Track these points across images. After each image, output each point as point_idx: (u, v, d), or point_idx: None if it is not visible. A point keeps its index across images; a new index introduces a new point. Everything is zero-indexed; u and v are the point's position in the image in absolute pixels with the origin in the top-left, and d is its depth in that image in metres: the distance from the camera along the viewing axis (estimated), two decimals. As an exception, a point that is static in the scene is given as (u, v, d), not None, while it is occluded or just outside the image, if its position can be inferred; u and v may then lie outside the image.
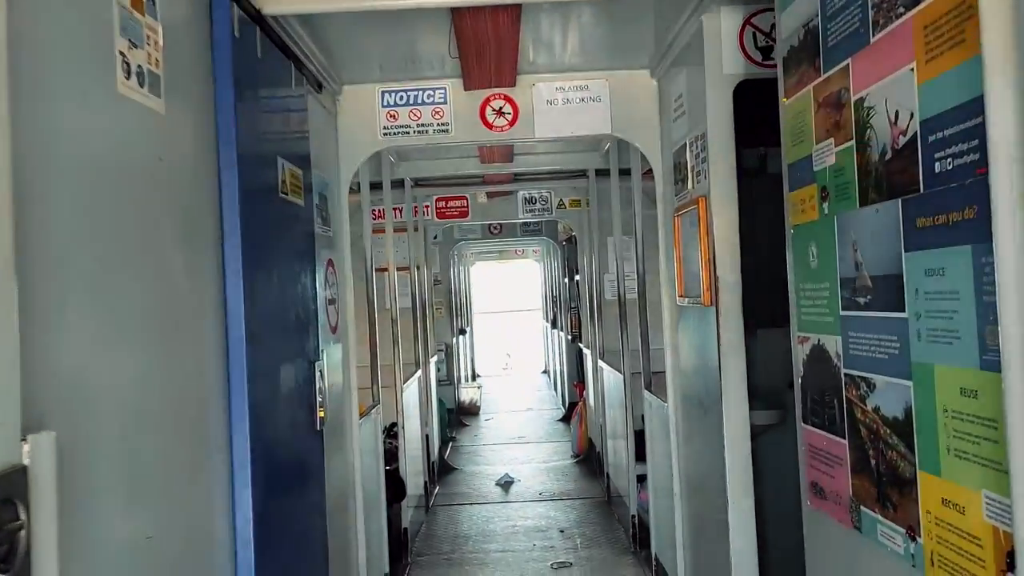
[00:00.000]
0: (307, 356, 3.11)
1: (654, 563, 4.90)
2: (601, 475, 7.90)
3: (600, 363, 7.20)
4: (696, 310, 3.58)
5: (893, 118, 1.75)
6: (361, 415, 4.36)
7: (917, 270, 1.68)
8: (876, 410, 1.88)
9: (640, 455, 5.75)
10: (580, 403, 9.15)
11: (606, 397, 7.07)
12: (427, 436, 7.79)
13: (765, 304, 3.53)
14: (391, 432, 6.17)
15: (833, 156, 2.06)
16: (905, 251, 1.72)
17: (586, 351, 8.63)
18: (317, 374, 3.15)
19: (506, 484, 7.96)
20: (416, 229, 8.08)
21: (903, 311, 1.74)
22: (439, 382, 10.59)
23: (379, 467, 4.89)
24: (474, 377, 16.46)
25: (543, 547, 5.97)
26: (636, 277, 5.04)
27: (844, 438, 2.05)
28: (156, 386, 1.93)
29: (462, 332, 13.70)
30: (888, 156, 1.78)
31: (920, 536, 1.71)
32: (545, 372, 17.60)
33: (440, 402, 9.57)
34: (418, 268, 8.04)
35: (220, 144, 2.36)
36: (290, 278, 2.92)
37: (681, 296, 3.79)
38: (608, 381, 6.88)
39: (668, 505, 4.42)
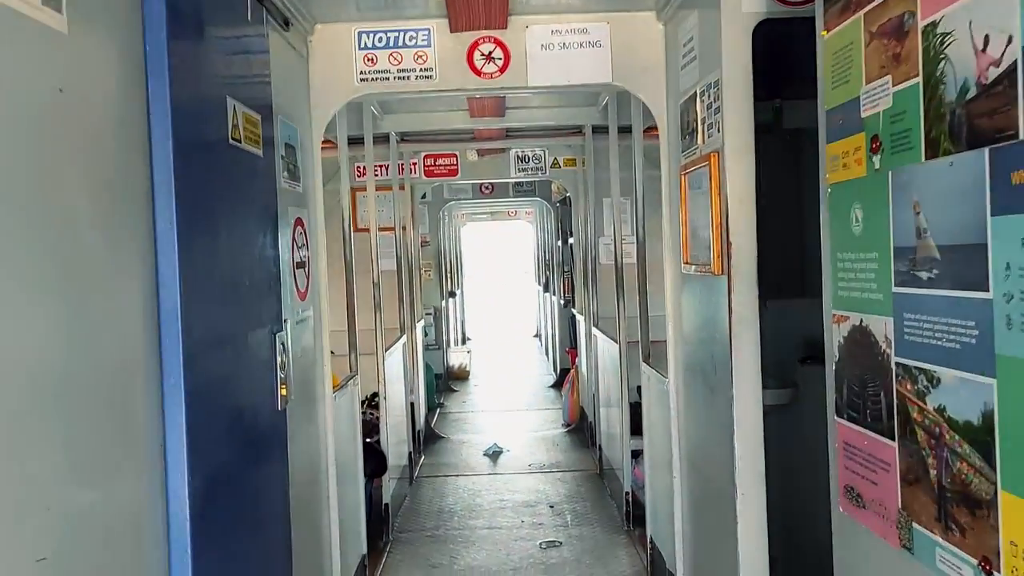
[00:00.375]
0: (266, 326, 2.75)
1: (649, 546, 4.60)
2: (593, 446, 7.61)
3: (594, 330, 6.86)
4: (704, 279, 3.23)
5: (981, 44, 1.38)
6: (336, 387, 4.02)
7: (1009, 239, 1.32)
8: (940, 410, 1.53)
9: (636, 429, 5.44)
10: (572, 370, 8.84)
11: (600, 366, 6.75)
12: (413, 404, 7.47)
13: (773, 273, 3.19)
14: (373, 402, 5.84)
15: (889, 98, 1.69)
16: (992, 215, 1.36)
17: (579, 317, 8.30)
18: (279, 346, 2.79)
19: (494, 455, 7.66)
20: (402, 187, 7.68)
21: (986, 291, 1.38)
22: (427, 347, 10.26)
23: (356, 441, 4.55)
24: (464, 341, 16.16)
25: (532, 524, 5.68)
26: (635, 241, 4.67)
27: (892, 440, 1.71)
28: (59, 355, 1.58)
29: (452, 295, 13.34)
30: (971, 94, 1.41)
31: (999, 571, 1.37)
32: (537, 336, 17.30)
33: (427, 367, 9.25)
34: (404, 229, 7.65)
35: (149, 78, 1.97)
36: (244, 238, 2.54)
37: (687, 263, 3.44)
38: (602, 349, 6.54)
39: (666, 486, 4.10)
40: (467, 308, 17.72)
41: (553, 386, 11.25)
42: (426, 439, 8.16)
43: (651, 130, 4.27)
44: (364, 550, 4.57)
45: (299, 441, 3.27)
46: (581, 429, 8.35)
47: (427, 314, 10.76)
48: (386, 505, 5.46)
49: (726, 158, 2.90)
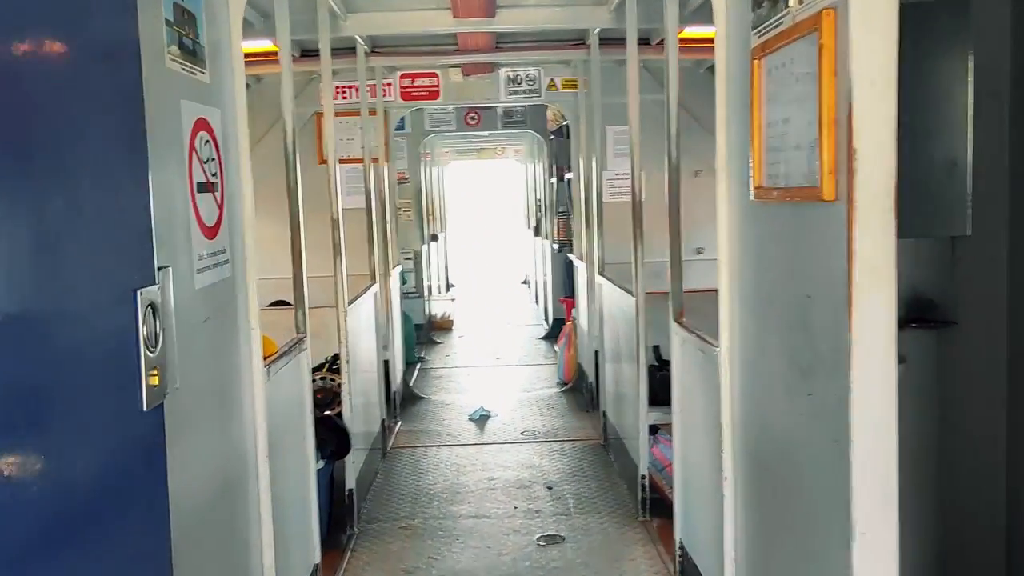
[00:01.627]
0: (122, 282, 1.71)
1: (678, 553, 3.66)
2: (594, 410, 6.67)
3: (599, 279, 5.85)
4: (795, 209, 2.20)
5: None
6: (271, 357, 3.00)
7: None
8: None
9: (654, 399, 4.48)
10: (568, 323, 7.84)
11: (607, 321, 5.75)
12: (387, 363, 6.47)
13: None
14: (334, 366, 4.83)
15: None
16: None
17: (577, 263, 7.27)
18: (143, 311, 1.75)
19: (482, 419, 6.71)
20: (373, 112, 6.56)
21: None
22: (406, 295, 9.25)
23: (306, 420, 3.56)
24: (448, 288, 15.15)
25: (527, 511, 4.74)
26: (668, 171, 3.62)
27: None
28: None
29: (434, 238, 12.28)
30: None
31: None
32: (525, 283, 16.30)
33: (406, 318, 8.25)
34: (376, 161, 6.56)
35: None
36: (67, 142, 1.48)
37: (760, 188, 2.40)
38: (611, 302, 5.54)
39: (707, 483, 3.15)
40: (451, 253, 16.68)
41: (545, 338, 10.29)
42: (403, 401, 7.18)
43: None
44: (316, 558, 3.61)
45: (201, 441, 2.25)
46: (579, 389, 7.40)
47: (406, 259, 9.73)
48: (350, 491, 4.49)
49: (852, 18, 1.85)
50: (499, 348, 9.91)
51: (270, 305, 6.26)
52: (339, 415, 4.47)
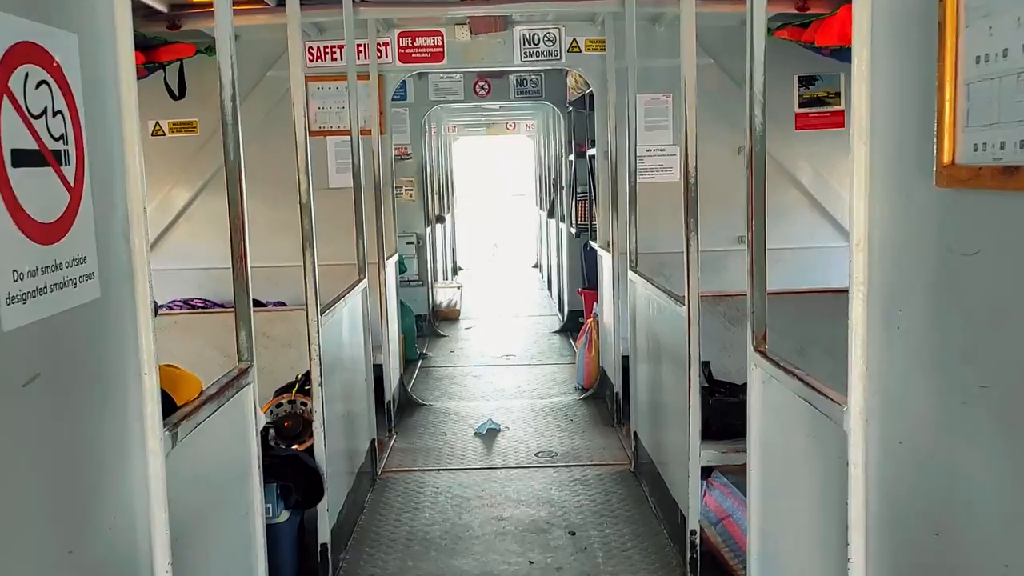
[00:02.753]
0: None
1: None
2: (619, 424, 5.75)
3: (632, 276, 4.89)
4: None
5: None
6: (186, 409, 2.07)
7: None
8: None
9: (708, 434, 3.56)
10: (588, 321, 6.89)
11: (640, 324, 4.79)
12: (379, 367, 5.56)
13: None
14: (306, 386, 3.89)
15: None
16: None
17: (603, 253, 6.30)
18: None
19: (490, 434, 5.78)
20: (362, 78, 5.59)
21: None
22: (407, 283, 8.33)
23: (250, 481, 2.62)
24: (455, 272, 14.22)
25: (545, 567, 3.82)
26: (750, 142, 2.66)
27: None
28: None
29: (440, 220, 11.32)
30: None
31: None
32: (537, 267, 15.34)
33: (405, 310, 7.31)
34: (367, 134, 5.60)
35: None
36: None
37: (953, 167, 1.44)
38: (648, 306, 4.58)
39: (809, 565, 2.21)
40: (459, 234, 15.73)
41: (559, 331, 9.34)
42: (401, 409, 6.27)
43: None
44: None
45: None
46: (600, 397, 6.47)
47: (407, 243, 8.80)
48: (324, 546, 3.57)
49: None
50: (509, 343, 8.97)
51: (272, 305, 5.35)
52: (311, 450, 3.55)
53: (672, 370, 3.91)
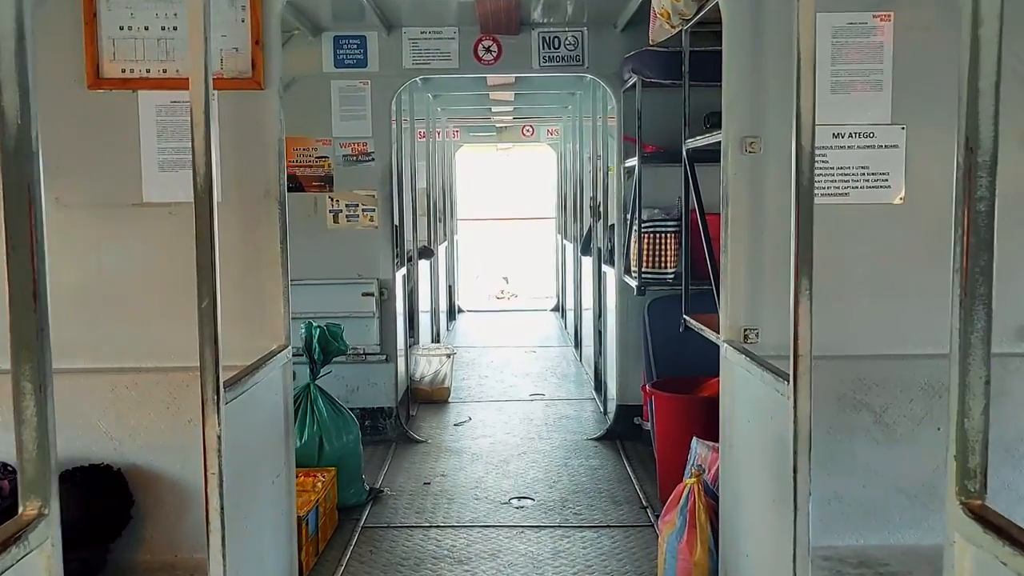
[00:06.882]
0: None
1: None
2: None
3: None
4: None
5: None
6: None
7: None
8: None
9: None
10: (693, 483, 3.46)
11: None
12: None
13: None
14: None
15: None
16: None
17: (728, 350, 2.94)
18: None
19: None
20: None
21: None
22: (360, 359, 5.10)
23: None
24: (452, 318, 10.93)
25: None
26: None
27: None
28: None
29: (426, 254, 7.99)
30: None
31: None
32: (558, 310, 12.02)
33: (340, 420, 3.99)
34: (232, 86, 2.29)
35: None
36: None
37: None
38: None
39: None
40: (459, 266, 12.45)
41: (603, 438, 5.94)
42: None
43: None
44: None
45: None
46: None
47: (365, 295, 5.51)
48: None
49: None
50: (522, 459, 5.58)
51: None
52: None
53: None
